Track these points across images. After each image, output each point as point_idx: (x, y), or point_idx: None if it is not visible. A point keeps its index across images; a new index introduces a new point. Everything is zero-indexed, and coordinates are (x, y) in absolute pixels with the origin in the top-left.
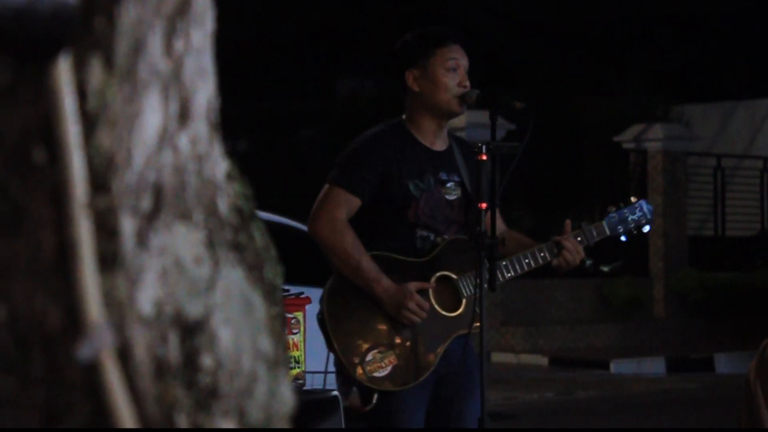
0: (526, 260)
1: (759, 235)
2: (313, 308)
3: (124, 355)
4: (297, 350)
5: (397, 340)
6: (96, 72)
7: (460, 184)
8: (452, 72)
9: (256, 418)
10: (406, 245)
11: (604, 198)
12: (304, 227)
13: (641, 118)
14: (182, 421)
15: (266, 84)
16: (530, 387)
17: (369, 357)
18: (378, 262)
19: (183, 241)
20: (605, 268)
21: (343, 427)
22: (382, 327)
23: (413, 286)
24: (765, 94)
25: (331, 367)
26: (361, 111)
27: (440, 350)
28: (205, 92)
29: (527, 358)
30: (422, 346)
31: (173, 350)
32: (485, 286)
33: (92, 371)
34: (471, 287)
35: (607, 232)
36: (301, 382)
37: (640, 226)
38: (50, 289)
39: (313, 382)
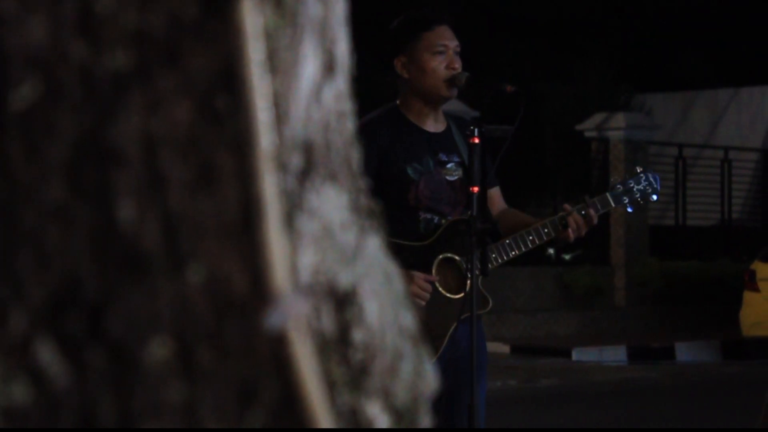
0: (530, 237)
1: (719, 224)
2: None
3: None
4: None
5: None
6: (268, 12)
7: (461, 164)
8: (439, 55)
9: (402, 399)
10: (410, 229)
11: (565, 186)
12: None
13: (603, 107)
14: (344, 402)
15: None
16: (493, 375)
17: None
18: None
19: (331, 204)
20: (566, 257)
21: None
22: None
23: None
24: (726, 83)
25: None
26: None
27: (447, 333)
28: (344, 44)
29: (489, 346)
30: (428, 330)
31: (328, 323)
32: (477, 272)
33: (280, 343)
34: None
35: (612, 203)
36: None
37: (646, 196)
38: (238, 250)
39: None
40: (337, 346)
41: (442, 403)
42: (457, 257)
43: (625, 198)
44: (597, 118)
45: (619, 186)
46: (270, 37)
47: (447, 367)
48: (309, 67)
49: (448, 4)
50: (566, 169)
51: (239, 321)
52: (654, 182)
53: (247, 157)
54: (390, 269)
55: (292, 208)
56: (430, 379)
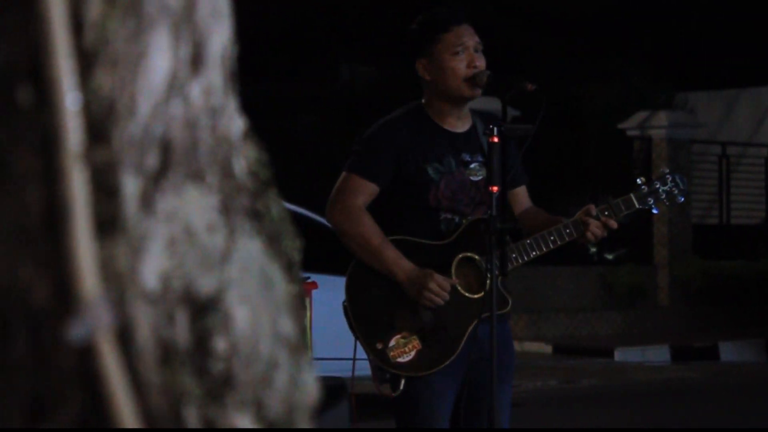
0: (551, 237)
1: (763, 223)
2: (318, 293)
3: (125, 337)
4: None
5: (421, 325)
6: (94, 1)
7: (486, 164)
8: (459, 55)
9: (276, 410)
10: (431, 229)
11: (607, 185)
12: (305, 212)
13: (644, 105)
14: (191, 415)
15: (266, 68)
16: (534, 375)
17: (392, 342)
18: (398, 246)
19: (194, 205)
20: (609, 256)
21: (349, 413)
22: (405, 312)
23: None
24: None
25: (360, 354)
26: (362, 97)
27: (466, 333)
28: (220, 37)
29: (531, 346)
30: (447, 330)
31: (182, 332)
32: (497, 272)
33: (86, 356)
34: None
35: (636, 204)
36: None
37: (673, 197)
38: (37, 256)
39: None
40: (192, 356)
41: (465, 403)
42: (476, 257)
43: (650, 199)
44: (639, 116)
45: (644, 187)
46: (100, 27)
47: (473, 367)
48: (162, 60)
49: (486, 3)
50: (608, 168)
51: (34, 332)
52: (681, 183)
53: (51, 156)
54: (271, 274)
55: (138, 210)
56: (309, 389)
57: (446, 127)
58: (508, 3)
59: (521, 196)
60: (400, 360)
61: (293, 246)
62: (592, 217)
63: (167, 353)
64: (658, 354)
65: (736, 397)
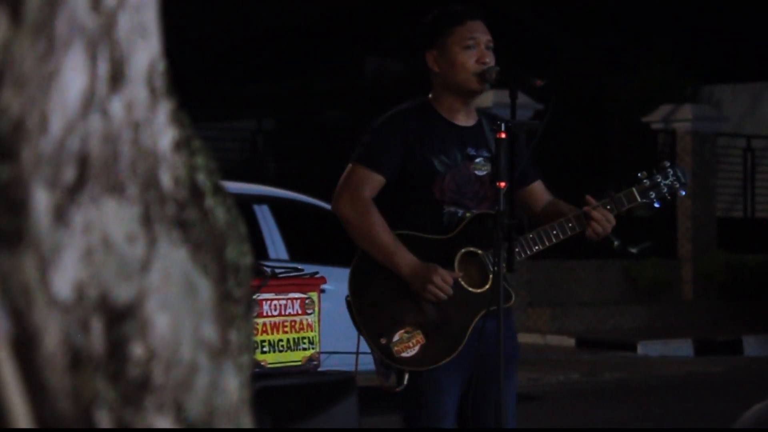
0: (554, 232)
1: None
2: (328, 288)
3: (30, 344)
4: (311, 331)
5: (424, 319)
6: (2, 24)
7: (491, 159)
8: (470, 50)
9: (196, 413)
10: (433, 222)
11: (632, 179)
12: (329, 207)
13: (670, 99)
14: (104, 419)
15: (293, 63)
16: (556, 368)
17: (396, 337)
18: (402, 240)
19: (113, 217)
20: (633, 250)
21: (358, 409)
22: (409, 306)
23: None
24: None
25: (363, 348)
26: (388, 90)
27: (469, 328)
28: (145, 53)
29: (553, 340)
30: (450, 325)
31: (96, 339)
32: (504, 266)
33: None
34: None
35: (638, 198)
36: (315, 363)
37: (674, 191)
38: None
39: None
40: (107, 362)
41: (471, 398)
42: (479, 251)
43: (652, 193)
44: (664, 109)
45: (645, 181)
46: (5, 49)
47: (477, 361)
48: (77, 78)
49: None
50: (632, 162)
51: None
52: (682, 176)
53: None
54: (196, 280)
55: (51, 223)
56: (231, 392)
57: (453, 120)
58: None
59: (539, 192)
60: (404, 355)
61: (241, 252)
62: (595, 209)
63: (78, 359)
64: (682, 348)
65: (760, 391)
